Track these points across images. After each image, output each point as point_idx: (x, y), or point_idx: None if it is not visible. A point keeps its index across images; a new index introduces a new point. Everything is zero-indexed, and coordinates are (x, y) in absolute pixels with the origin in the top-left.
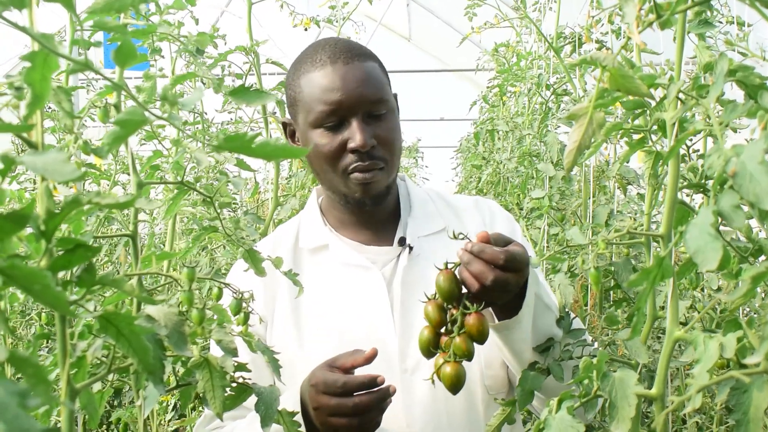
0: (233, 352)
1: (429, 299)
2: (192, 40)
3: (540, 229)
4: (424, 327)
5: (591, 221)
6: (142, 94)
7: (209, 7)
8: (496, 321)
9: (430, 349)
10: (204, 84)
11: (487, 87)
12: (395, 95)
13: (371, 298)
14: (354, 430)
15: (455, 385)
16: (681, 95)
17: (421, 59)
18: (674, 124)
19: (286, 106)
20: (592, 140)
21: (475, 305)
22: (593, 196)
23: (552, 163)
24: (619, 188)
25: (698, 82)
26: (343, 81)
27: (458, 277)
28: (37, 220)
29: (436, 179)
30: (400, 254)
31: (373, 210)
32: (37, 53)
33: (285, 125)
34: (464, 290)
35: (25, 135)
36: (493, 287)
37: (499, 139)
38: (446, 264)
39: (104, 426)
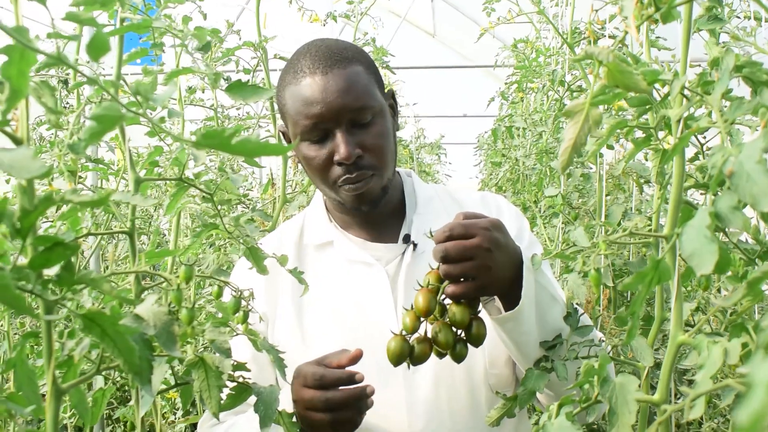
0: (227, 353)
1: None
2: (189, 34)
3: (556, 227)
4: (407, 312)
5: (603, 219)
6: (143, 89)
7: (232, 5)
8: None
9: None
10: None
11: (506, 83)
12: (390, 91)
13: (375, 296)
14: (328, 427)
15: (396, 357)
16: (686, 91)
17: (445, 55)
18: (679, 121)
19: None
20: (589, 137)
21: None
22: (611, 194)
23: None
24: (636, 186)
25: (704, 78)
26: (322, 93)
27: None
28: (12, 218)
29: (460, 176)
30: (404, 251)
31: (373, 211)
32: (13, 47)
33: (283, 133)
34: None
35: (9, 130)
36: (456, 258)
37: (517, 135)
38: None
39: (116, 423)
